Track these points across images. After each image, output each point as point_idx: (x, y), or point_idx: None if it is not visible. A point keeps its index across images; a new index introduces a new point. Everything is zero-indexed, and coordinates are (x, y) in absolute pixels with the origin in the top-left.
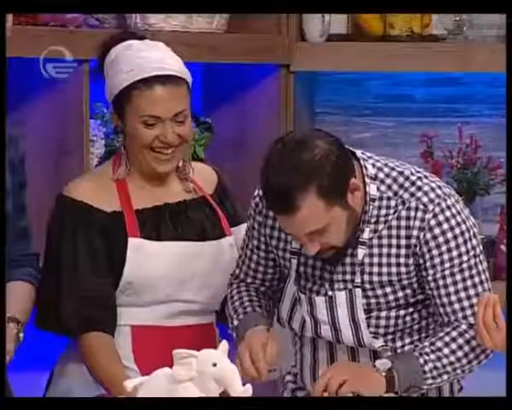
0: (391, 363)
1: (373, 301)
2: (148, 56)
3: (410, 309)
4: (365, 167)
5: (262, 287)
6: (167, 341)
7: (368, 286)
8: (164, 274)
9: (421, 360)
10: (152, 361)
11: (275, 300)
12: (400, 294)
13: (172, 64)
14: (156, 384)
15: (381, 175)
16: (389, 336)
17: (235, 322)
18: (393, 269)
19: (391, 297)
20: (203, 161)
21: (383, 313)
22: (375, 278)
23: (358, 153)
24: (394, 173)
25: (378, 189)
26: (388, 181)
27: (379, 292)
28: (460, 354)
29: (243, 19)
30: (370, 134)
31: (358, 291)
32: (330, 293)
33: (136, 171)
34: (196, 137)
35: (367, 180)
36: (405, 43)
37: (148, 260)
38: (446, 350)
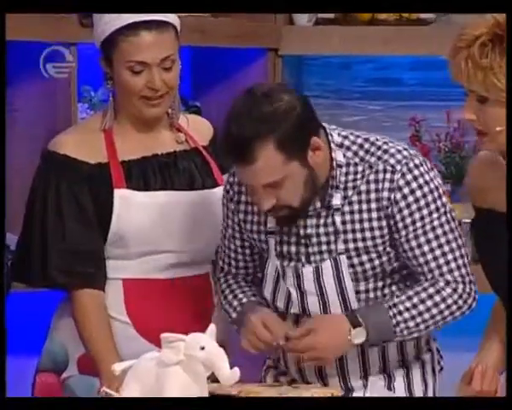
0: (364, 328)
1: (351, 270)
2: None
3: (388, 280)
4: (331, 135)
5: (248, 276)
6: (160, 293)
7: (349, 254)
8: (151, 224)
9: (394, 321)
10: (145, 314)
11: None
12: (377, 262)
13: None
14: (145, 368)
15: (346, 143)
16: None
17: (234, 315)
18: (367, 234)
19: (367, 266)
20: None
21: (362, 286)
22: (351, 245)
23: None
24: (360, 140)
25: (344, 155)
26: (354, 148)
27: (355, 261)
28: (435, 311)
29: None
30: (359, 118)
31: (343, 258)
32: (313, 261)
33: (124, 121)
34: None
35: (333, 146)
36: (393, 26)
37: (134, 210)
38: (422, 307)
